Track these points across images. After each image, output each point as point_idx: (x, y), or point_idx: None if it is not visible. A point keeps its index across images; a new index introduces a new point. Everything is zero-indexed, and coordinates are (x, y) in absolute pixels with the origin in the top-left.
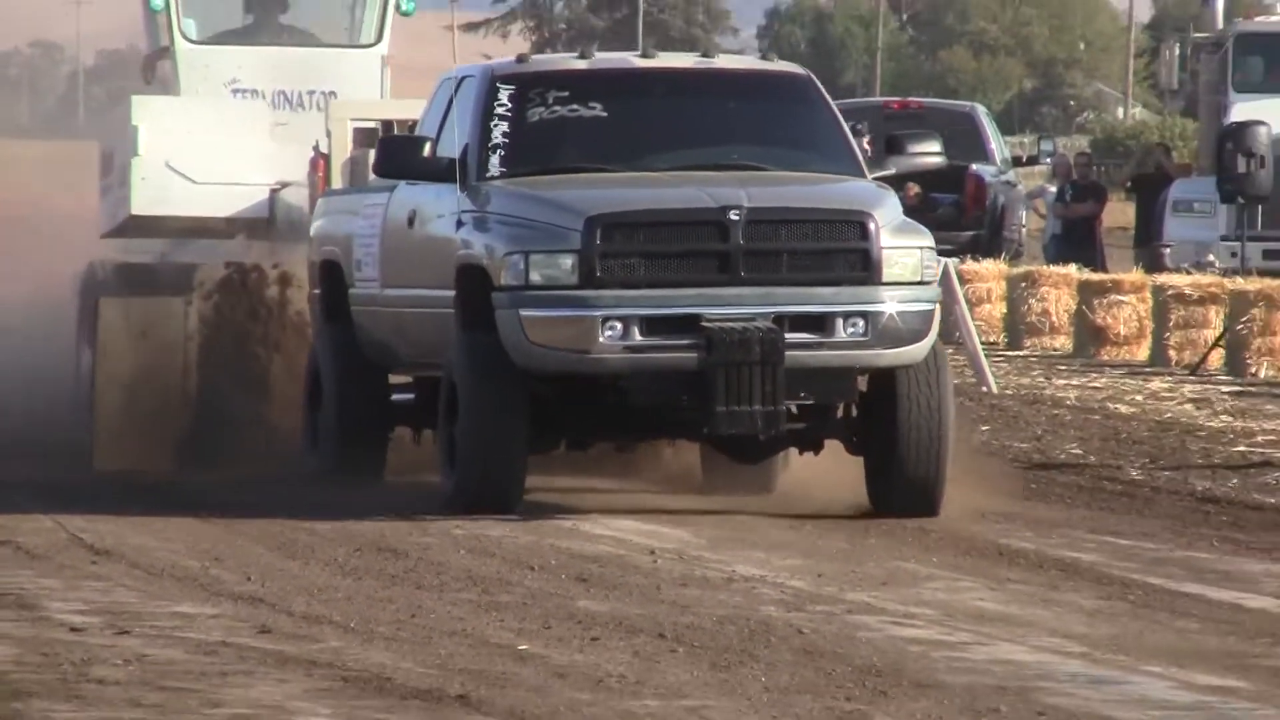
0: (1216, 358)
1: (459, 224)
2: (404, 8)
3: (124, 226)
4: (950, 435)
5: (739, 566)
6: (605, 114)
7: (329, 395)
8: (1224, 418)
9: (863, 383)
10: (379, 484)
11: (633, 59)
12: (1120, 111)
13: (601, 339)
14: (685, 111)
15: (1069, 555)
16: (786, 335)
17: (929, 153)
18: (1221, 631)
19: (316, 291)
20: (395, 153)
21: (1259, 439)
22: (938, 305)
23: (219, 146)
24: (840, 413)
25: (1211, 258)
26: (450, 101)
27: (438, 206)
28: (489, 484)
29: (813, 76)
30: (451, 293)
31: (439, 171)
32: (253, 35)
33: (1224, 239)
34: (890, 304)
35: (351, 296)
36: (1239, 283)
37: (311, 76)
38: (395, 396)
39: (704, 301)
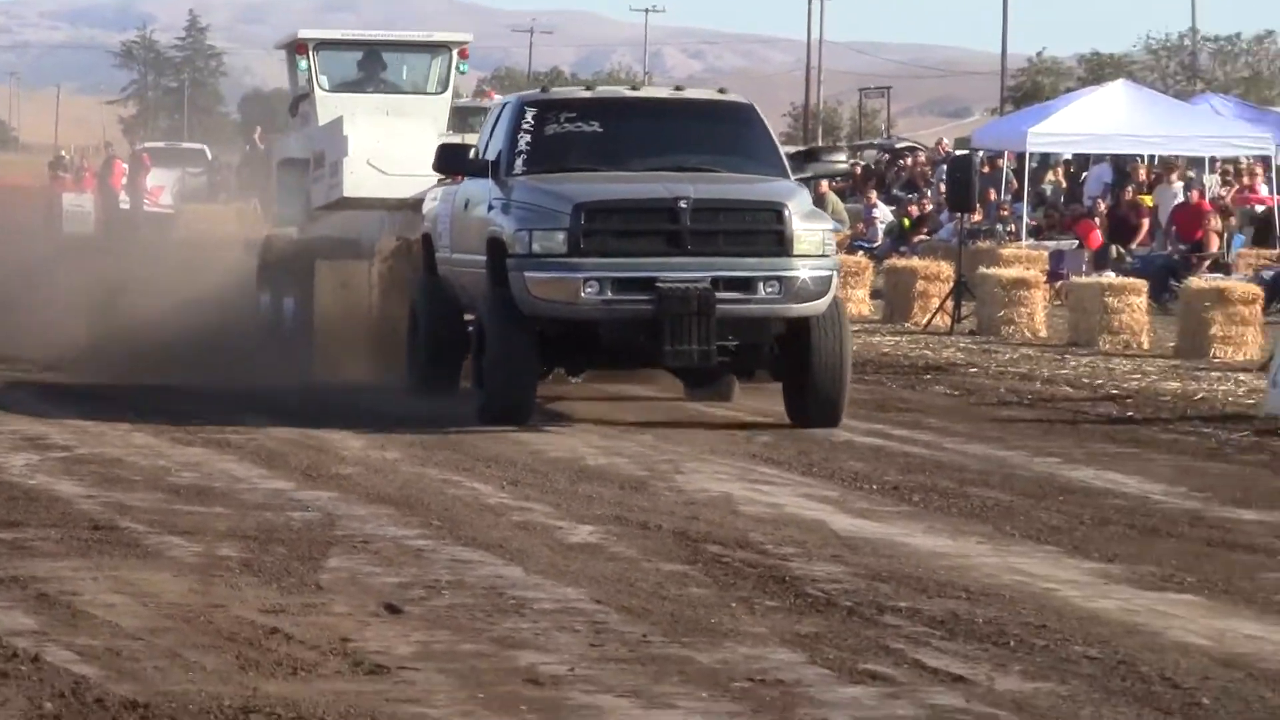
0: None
1: (489, 207)
2: (461, 69)
3: (335, 205)
4: (849, 366)
5: None
6: (601, 129)
7: (421, 329)
8: None
9: (781, 328)
10: (454, 394)
11: (623, 90)
12: None
13: (583, 295)
14: (660, 128)
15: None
16: (720, 294)
17: (837, 161)
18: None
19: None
20: (447, 155)
21: None
22: (836, 271)
23: (402, 149)
24: (767, 351)
25: None
26: (496, 120)
27: (479, 195)
28: (508, 400)
29: (754, 105)
30: (485, 258)
31: (478, 169)
32: (363, 86)
33: None
34: (800, 271)
35: (438, 259)
36: None
37: (402, 113)
38: (471, 329)
39: (659, 268)
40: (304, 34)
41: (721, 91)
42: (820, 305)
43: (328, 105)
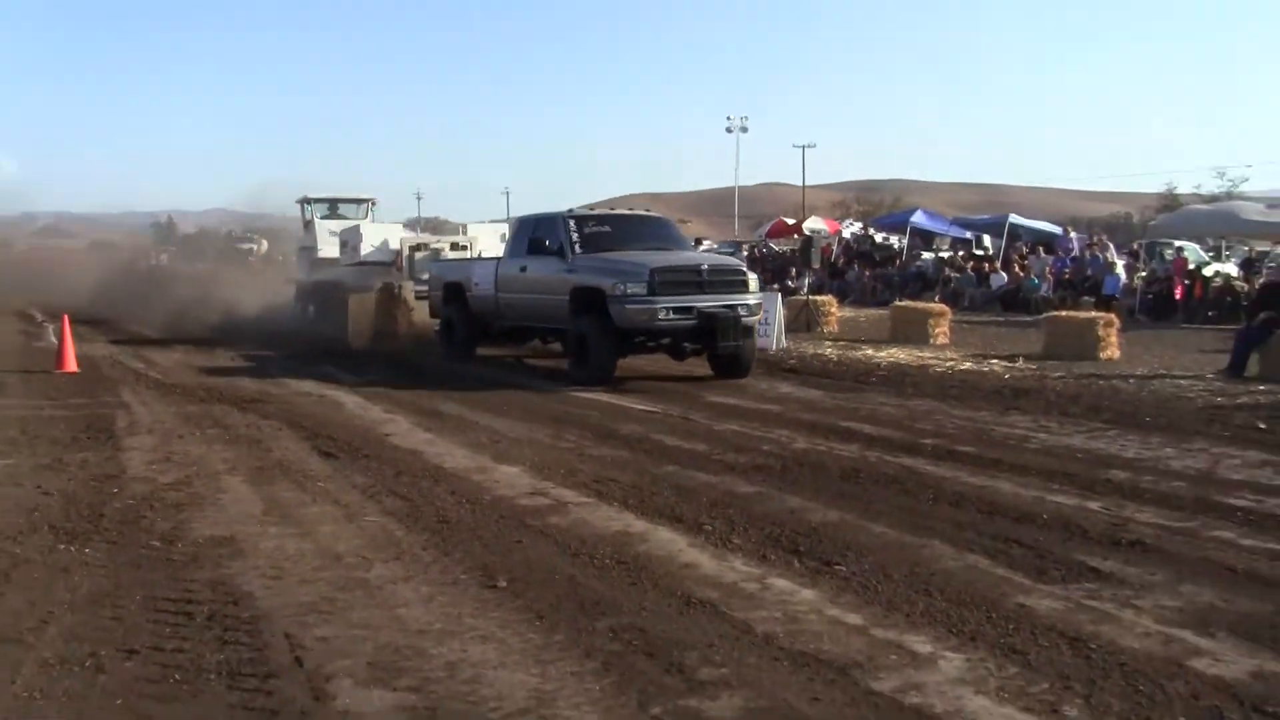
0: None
1: (570, 270)
2: (373, 211)
3: (316, 265)
4: (755, 348)
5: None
6: (610, 230)
7: (457, 331)
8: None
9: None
10: (471, 361)
11: (612, 210)
12: None
13: (659, 317)
14: (634, 228)
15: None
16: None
17: (713, 247)
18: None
19: (438, 294)
20: (539, 244)
21: None
22: (762, 300)
23: (372, 242)
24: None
25: None
26: (535, 226)
27: (546, 266)
28: (603, 372)
29: (669, 217)
30: (564, 298)
31: (555, 250)
32: (331, 217)
33: None
34: (753, 300)
35: (470, 296)
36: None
37: (359, 230)
38: (571, 335)
39: (695, 301)
40: (307, 195)
41: (647, 209)
42: (757, 319)
43: (317, 224)
